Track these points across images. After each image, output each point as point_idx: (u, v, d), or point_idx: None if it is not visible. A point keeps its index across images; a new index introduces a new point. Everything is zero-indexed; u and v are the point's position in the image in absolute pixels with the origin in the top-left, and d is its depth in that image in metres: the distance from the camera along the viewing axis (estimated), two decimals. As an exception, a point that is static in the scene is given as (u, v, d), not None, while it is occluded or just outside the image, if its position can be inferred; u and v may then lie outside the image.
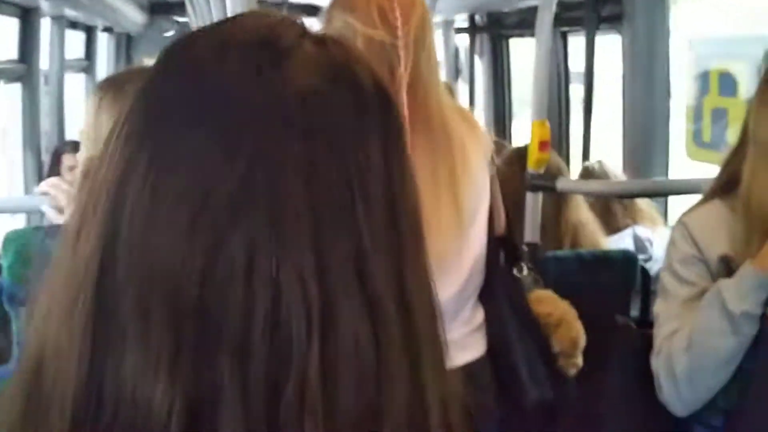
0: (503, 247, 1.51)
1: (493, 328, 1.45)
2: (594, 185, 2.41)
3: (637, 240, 2.25)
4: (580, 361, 1.53)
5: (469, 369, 1.37)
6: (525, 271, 1.51)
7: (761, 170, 1.31)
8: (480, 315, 1.46)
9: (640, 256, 2.20)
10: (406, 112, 1.25)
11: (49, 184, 1.06)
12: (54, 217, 1.09)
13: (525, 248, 2.10)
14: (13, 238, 1.06)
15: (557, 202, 2.19)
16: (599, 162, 2.53)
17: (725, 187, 1.41)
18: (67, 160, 3.17)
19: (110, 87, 1.10)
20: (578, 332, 1.53)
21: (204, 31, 0.48)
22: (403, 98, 1.27)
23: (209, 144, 0.43)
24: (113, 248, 0.43)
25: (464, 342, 1.41)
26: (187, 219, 0.42)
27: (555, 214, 2.20)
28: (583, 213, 2.27)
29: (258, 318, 0.41)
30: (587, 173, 2.48)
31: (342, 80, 0.46)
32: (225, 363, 0.41)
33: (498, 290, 1.46)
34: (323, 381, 0.41)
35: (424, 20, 1.35)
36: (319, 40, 0.47)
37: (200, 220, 0.41)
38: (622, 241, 2.26)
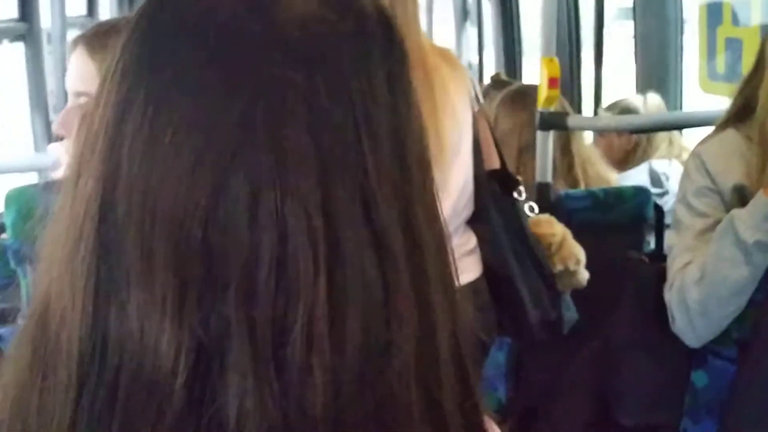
0: (498, 178, 1.54)
1: (489, 251, 1.50)
2: (605, 121, 2.38)
3: (653, 174, 2.24)
4: (585, 274, 1.55)
5: (465, 289, 1.40)
6: (523, 195, 1.54)
7: None
8: (472, 240, 1.51)
9: (656, 190, 2.19)
10: None
11: (58, 123, 1.06)
12: (55, 176, 1.08)
13: (537, 187, 2.12)
14: (14, 195, 1.06)
15: (566, 139, 2.17)
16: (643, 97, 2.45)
17: (740, 114, 1.39)
18: None
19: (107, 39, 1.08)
20: (579, 249, 1.56)
21: None
22: None
23: (208, 79, 0.41)
24: (113, 190, 0.42)
25: (458, 264, 1.44)
26: (187, 158, 0.41)
27: (564, 152, 2.18)
28: (590, 150, 2.26)
29: (264, 256, 0.40)
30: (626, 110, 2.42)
31: (344, 6, 0.44)
32: (231, 303, 0.40)
33: (493, 215, 1.50)
34: (330, 318, 0.40)
35: None
36: None
37: (202, 158, 0.40)
38: (638, 176, 2.24)
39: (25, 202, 1.04)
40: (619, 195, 2.09)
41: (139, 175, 0.41)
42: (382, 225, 0.42)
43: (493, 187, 1.53)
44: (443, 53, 1.50)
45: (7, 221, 1.06)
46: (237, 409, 0.40)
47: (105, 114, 0.43)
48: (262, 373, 0.40)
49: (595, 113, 2.96)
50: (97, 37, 1.05)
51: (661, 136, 2.30)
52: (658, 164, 2.26)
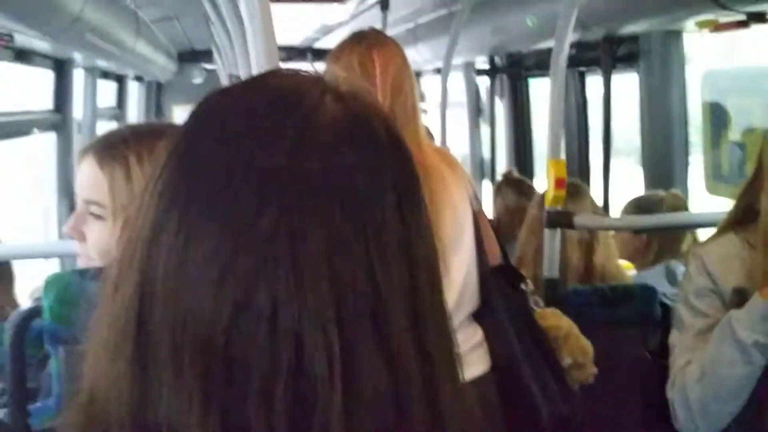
0: (502, 272, 1.58)
1: (497, 346, 1.50)
2: (611, 221, 2.44)
3: (669, 274, 2.23)
4: (593, 369, 1.56)
5: (473, 384, 1.41)
6: (528, 287, 1.56)
7: None
8: (478, 333, 1.51)
9: (673, 290, 2.17)
10: None
11: (69, 226, 1.10)
12: (85, 261, 1.13)
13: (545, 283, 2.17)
14: (53, 280, 1.12)
15: (588, 240, 2.22)
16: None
17: (740, 219, 1.43)
18: None
19: (127, 150, 1.10)
20: (586, 342, 1.58)
21: (231, 93, 0.51)
22: None
23: (236, 205, 0.45)
24: (149, 300, 0.46)
25: (464, 358, 1.45)
26: (215, 275, 0.45)
27: (586, 251, 2.23)
28: (610, 252, 2.28)
29: (282, 367, 0.43)
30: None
31: (360, 138, 0.48)
32: (252, 408, 0.43)
33: (500, 311, 1.51)
34: (346, 425, 0.43)
35: (402, 70, 1.50)
36: (340, 95, 0.50)
37: (227, 276, 0.44)
38: (655, 275, 2.24)
39: (62, 287, 1.11)
40: (625, 292, 2.13)
41: (171, 287, 0.46)
42: (392, 337, 0.45)
43: (499, 282, 1.57)
44: (442, 153, 1.58)
45: (45, 304, 1.12)
46: None
47: (143, 228, 0.48)
48: None
49: (605, 211, 3.02)
50: (106, 149, 1.07)
51: (685, 236, 2.31)
52: (676, 264, 2.26)
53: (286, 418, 0.43)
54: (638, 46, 3.03)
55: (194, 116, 0.50)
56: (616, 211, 3.09)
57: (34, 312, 1.17)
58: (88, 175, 1.08)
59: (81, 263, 1.13)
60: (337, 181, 0.46)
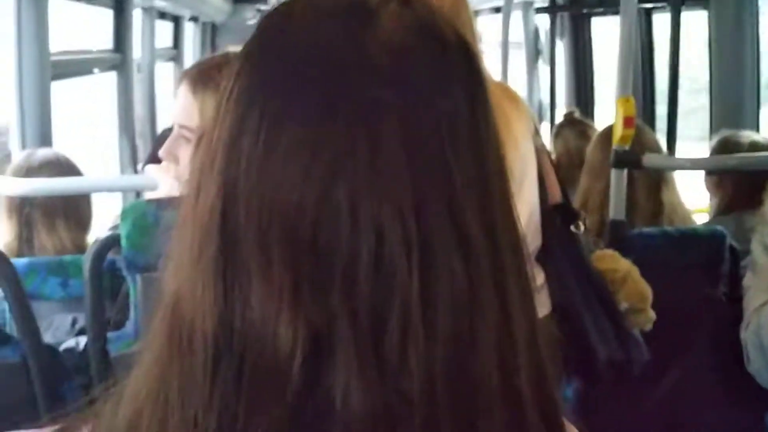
0: (560, 212, 1.55)
1: (555, 289, 1.49)
2: (680, 161, 2.37)
3: (739, 226, 2.12)
4: (652, 314, 1.53)
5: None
6: (581, 229, 1.53)
7: None
8: (540, 276, 1.50)
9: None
10: None
11: (164, 150, 1.14)
12: (150, 197, 1.16)
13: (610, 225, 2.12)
14: (129, 209, 1.15)
15: (656, 181, 2.16)
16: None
17: None
18: None
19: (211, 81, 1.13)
20: (645, 286, 1.54)
21: (297, 2, 0.52)
22: None
23: (312, 102, 0.47)
24: (233, 196, 0.47)
25: None
26: (296, 172, 0.46)
27: (651, 193, 2.17)
28: (677, 194, 2.22)
29: (363, 256, 0.45)
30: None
31: (427, 34, 0.49)
32: (336, 297, 0.45)
33: (557, 252, 1.50)
34: (423, 311, 0.45)
35: (458, 0, 1.44)
36: (404, 0, 0.50)
37: (309, 172, 0.46)
38: (725, 223, 2.11)
39: (139, 216, 1.13)
40: (694, 234, 2.08)
41: (255, 185, 0.47)
42: (465, 226, 0.47)
43: (556, 222, 1.54)
44: (504, 89, 1.54)
45: (123, 232, 1.14)
46: (344, 389, 0.45)
47: (222, 133, 0.49)
48: (363, 360, 0.45)
49: (669, 152, 2.95)
50: (199, 75, 1.12)
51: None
52: (751, 216, 2.14)
53: (367, 306, 0.45)
54: (710, -18, 2.91)
55: (264, 24, 0.52)
56: (681, 154, 3.01)
57: (112, 241, 1.20)
58: (182, 100, 1.12)
59: (149, 197, 1.15)
60: (408, 75, 0.48)
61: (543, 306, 1.48)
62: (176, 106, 1.14)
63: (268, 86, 0.49)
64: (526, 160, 1.47)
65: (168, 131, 3.41)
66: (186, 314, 0.48)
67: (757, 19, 2.91)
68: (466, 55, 0.51)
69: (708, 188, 2.30)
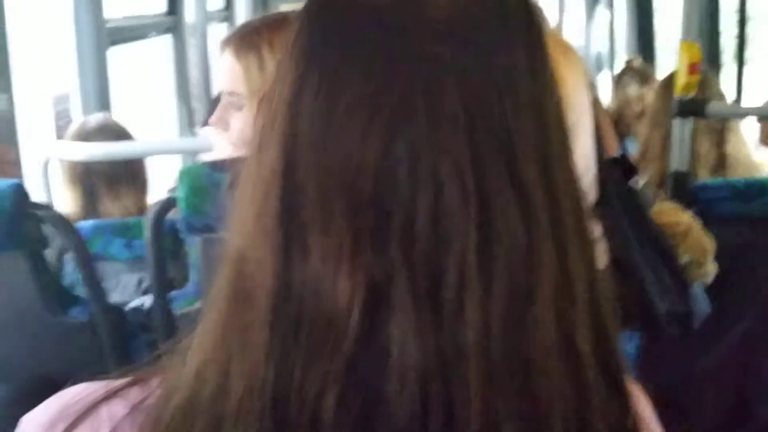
0: (618, 165, 1.51)
1: (612, 241, 1.46)
2: (747, 109, 2.28)
3: None
4: (713, 267, 1.50)
5: None
6: (640, 184, 1.49)
7: None
8: (597, 229, 1.47)
9: None
10: None
11: (214, 117, 1.14)
12: (207, 157, 1.17)
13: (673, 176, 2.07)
14: (186, 172, 1.16)
15: (720, 135, 2.09)
16: None
17: None
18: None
19: (260, 40, 1.12)
20: (707, 239, 1.50)
21: None
22: None
23: (372, 59, 0.47)
24: (294, 154, 0.48)
25: None
26: (358, 126, 0.47)
27: (715, 144, 2.10)
28: (744, 144, 2.15)
29: (421, 209, 0.46)
30: None
31: None
32: (395, 250, 0.46)
33: (615, 205, 1.46)
34: (480, 264, 0.46)
35: None
36: None
37: (369, 127, 0.46)
38: None
39: (195, 178, 1.14)
40: (761, 186, 2.01)
41: (316, 141, 0.48)
42: (524, 181, 0.47)
43: (613, 175, 1.51)
44: (555, 38, 1.48)
45: (181, 194, 1.16)
46: (400, 341, 0.45)
47: (283, 91, 0.50)
48: (421, 310, 0.45)
49: (737, 101, 2.84)
50: (241, 40, 1.12)
51: None
52: None
53: (425, 259, 0.45)
54: None
55: None
56: (750, 101, 2.90)
57: (170, 203, 1.22)
58: (226, 66, 1.13)
59: (207, 158, 1.16)
60: (467, 32, 0.48)
61: (601, 258, 1.47)
62: (222, 72, 1.15)
63: (328, 45, 0.49)
64: (580, 111, 1.44)
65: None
66: (248, 270, 0.49)
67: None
68: (525, 12, 0.50)
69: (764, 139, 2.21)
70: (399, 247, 0.46)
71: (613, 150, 1.57)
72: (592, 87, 1.50)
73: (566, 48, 1.52)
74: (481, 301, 0.45)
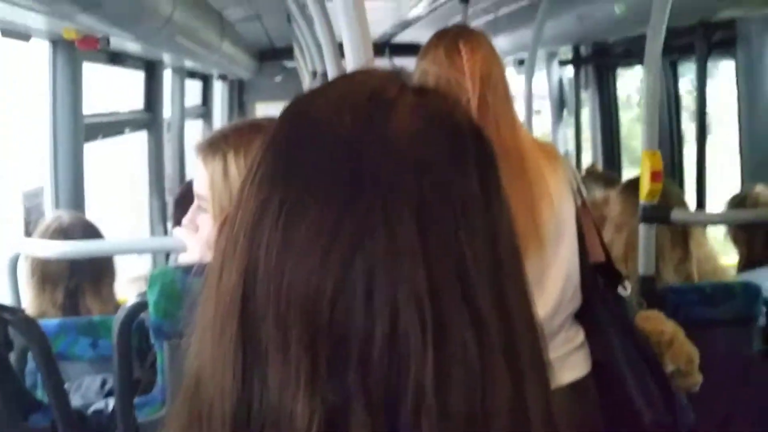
0: (603, 272, 1.52)
1: (597, 348, 1.45)
2: (709, 215, 2.35)
3: None
4: (699, 377, 1.49)
5: (573, 387, 1.38)
6: (628, 290, 1.51)
7: None
8: (580, 335, 1.47)
9: None
10: None
11: (186, 219, 1.15)
12: (183, 259, 1.17)
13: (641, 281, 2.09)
14: (157, 276, 1.16)
15: (683, 234, 2.13)
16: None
17: None
18: None
19: (226, 146, 1.15)
20: (693, 349, 1.51)
21: (321, 91, 0.56)
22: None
23: (332, 189, 0.49)
24: (253, 280, 0.49)
25: (566, 361, 1.42)
26: (316, 254, 0.47)
27: (677, 245, 2.14)
28: (708, 246, 2.19)
29: (378, 334, 0.46)
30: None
31: (442, 123, 0.52)
32: (352, 376, 0.46)
33: (600, 311, 1.47)
34: (437, 388, 0.46)
35: (490, 58, 1.48)
36: (420, 90, 0.53)
37: (328, 255, 0.47)
38: (759, 277, 2.10)
39: (167, 283, 1.14)
40: (727, 290, 2.04)
41: (275, 267, 0.48)
42: (479, 306, 0.48)
43: (598, 281, 1.52)
44: (542, 146, 1.52)
45: (151, 299, 1.15)
46: None
47: (245, 216, 0.51)
48: None
49: (699, 207, 2.91)
50: (210, 146, 1.14)
51: None
52: None
53: (382, 385, 0.46)
54: (735, 32, 2.90)
55: (286, 113, 0.54)
56: (712, 207, 2.97)
57: (140, 307, 1.21)
58: (197, 171, 1.14)
59: (182, 260, 1.16)
60: (424, 161, 0.50)
61: (582, 367, 1.46)
62: (195, 176, 1.17)
63: (290, 172, 0.50)
64: (562, 218, 1.45)
65: (186, 189, 3.45)
66: (206, 394, 0.49)
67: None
68: (478, 140, 0.53)
69: (734, 241, 2.26)
70: (356, 373, 0.46)
71: (599, 256, 1.60)
72: (579, 193, 1.53)
73: (552, 154, 1.56)
74: (438, 426, 0.46)
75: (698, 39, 2.95)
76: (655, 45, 2.12)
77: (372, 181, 0.48)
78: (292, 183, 0.50)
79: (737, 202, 2.31)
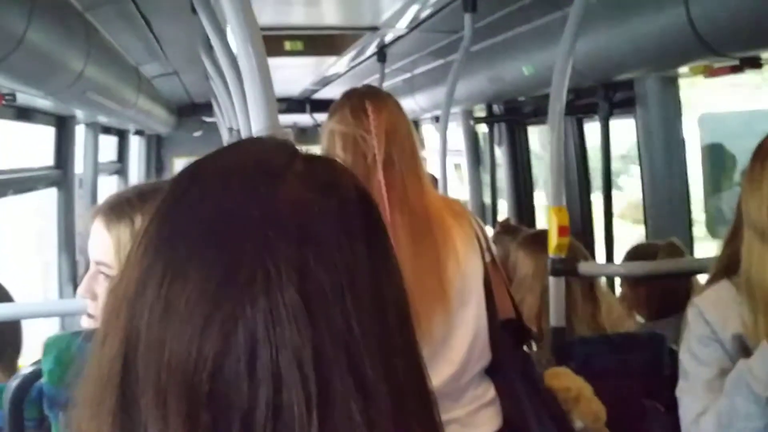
0: (512, 328, 1.54)
1: (507, 405, 1.46)
2: (615, 267, 2.43)
3: (679, 331, 2.15)
4: None
5: None
6: (534, 348, 1.53)
7: (756, 251, 1.31)
8: (490, 391, 1.48)
9: None
10: (383, 190, 1.36)
11: (82, 287, 1.11)
12: (86, 323, 1.12)
13: (552, 332, 2.13)
14: (52, 342, 1.11)
15: (590, 285, 2.19)
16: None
17: (728, 268, 1.41)
18: None
19: (131, 210, 1.13)
20: (599, 406, 1.53)
21: (209, 159, 0.56)
22: (380, 179, 1.38)
23: (216, 257, 0.48)
24: (134, 351, 0.48)
25: (475, 418, 1.43)
26: (199, 322, 0.47)
27: (587, 298, 2.20)
28: (609, 295, 2.26)
29: (261, 404, 0.45)
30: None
31: (328, 191, 0.52)
32: None
33: (509, 368, 1.48)
34: None
35: (394, 115, 1.52)
36: (309, 158, 0.54)
37: (210, 322, 0.47)
38: (666, 327, 2.14)
39: (62, 349, 1.09)
40: (634, 339, 2.10)
41: (156, 336, 0.48)
42: (366, 375, 0.48)
43: (507, 338, 1.53)
44: (448, 203, 1.54)
45: (45, 367, 1.10)
46: None
47: (128, 286, 0.50)
48: None
49: (608, 259, 3.01)
50: (112, 211, 1.11)
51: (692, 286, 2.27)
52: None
53: None
54: (634, 92, 3.06)
55: (173, 183, 0.54)
56: (619, 259, 3.07)
57: (34, 376, 1.16)
58: (96, 237, 1.11)
59: (84, 324, 1.12)
60: (309, 231, 0.50)
61: (493, 423, 1.46)
62: (92, 242, 1.12)
63: (174, 240, 0.50)
64: (469, 277, 1.46)
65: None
66: None
67: (680, 125, 3.05)
68: (365, 208, 0.53)
69: (629, 299, 2.32)
70: None
71: (508, 312, 1.60)
72: (489, 249, 1.55)
73: (459, 212, 1.58)
74: None
75: (600, 98, 3.09)
76: (557, 104, 2.21)
77: (254, 250, 0.48)
78: (176, 250, 0.49)
79: (634, 255, 2.40)
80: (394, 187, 1.41)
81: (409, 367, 0.51)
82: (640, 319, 2.35)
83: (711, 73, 2.48)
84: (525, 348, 1.55)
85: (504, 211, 4.50)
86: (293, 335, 0.46)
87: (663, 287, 2.26)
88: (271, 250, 0.48)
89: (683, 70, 2.80)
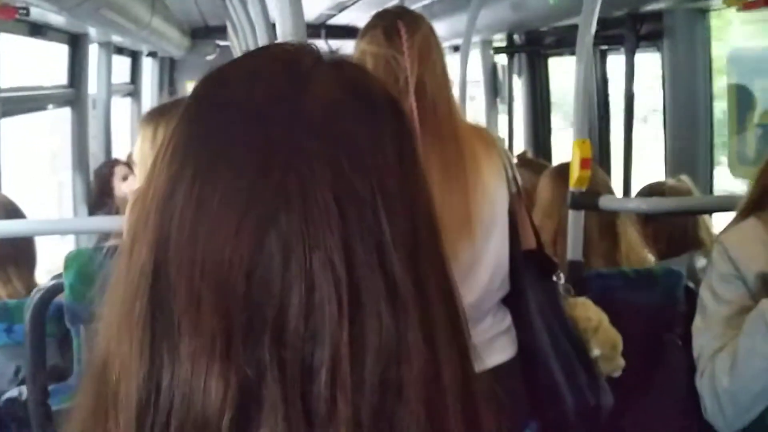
0: (535, 259, 1.53)
1: (524, 334, 1.47)
2: (637, 202, 2.40)
3: (690, 270, 2.17)
4: (621, 361, 1.53)
5: (498, 370, 1.39)
6: (562, 279, 1.53)
7: None
8: (507, 319, 1.48)
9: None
10: (415, 114, 1.34)
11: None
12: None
13: (568, 266, 2.13)
14: (73, 257, 1.11)
15: (611, 221, 2.17)
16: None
17: (759, 202, 1.39)
18: (120, 170, 3.30)
19: (160, 116, 1.15)
20: (616, 334, 1.54)
21: (235, 64, 0.54)
22: (412, 102, 1.37)
23: (247, 154, 0.48)
24: (165, 254, 0.47)
25: (491, 344, 1.44)
26: (231, 222, 0.46)
27: (605, 233, 2.18)
28: (632, 233, 2.24)
29: (294, 305, 0.45)
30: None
31: (357, 93, 0.51)
32: (267, 346, 0.45)
33: (528, 299, 1.48)
34: (352, 358, 0.45)
35: (428, 38, 1.48)
36: (336, 62, 0.53)
37: (243, 222, 0.46)
38: (678, 265, 2.14)
39: (83, 264, 1.09)
40: (650, 275, 2.09)
41: (188, 239, 0.47)
42: (395, 276, 0.48)
43: (530, 268, 1.53)
44: (478, 131, 1.51)
45: (67, 282, 1.10)
46: None
47: (157, 190, 0.49)
48: (291, 411, 0.45)
49: (625, 195, 2.98)
50: (150, 114, 1.16)
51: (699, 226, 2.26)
52: (701, 260, 2.19)
53: (297, 355, 0.45)
54: (662, 24, 2.97)
55: (201, 84, 0.53)
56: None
57: (55, 291, 1.15)
58: (140, 143, 1.11)
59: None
60: (340, 129, 0.49)
61: (508, 350, 1.47)
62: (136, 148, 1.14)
63: (202, 142, 0.49)
64: (496, 205, 1.44)
65: (103, 168, 3.33)
66: (113, 373, 0.47)
67: (709, 61, 2.97)
68: (395, 114, 0.52)
69: (650, 238, 2.32)
70: (271, 343, 0.45)
71: (531, 243, 1.59)
72: (513, 180, 1.52)
73: (488, 140, 1.55)
74: (352, 397, 0.45)
75: (627, 30, 3.00)
76: (586, 35, 2.14)
77: (286, 149, 0.47)
78: (204, 153, 0.48)
79: (645, 194, 2.38)
80: (425, 112, 1.38)
81: (437, 273, 0.51)
82: (650, 257, 2.34)
83: (745, 5, 2.39)
84: (554, 278, 1.54)
85: (521, 143, 4.44)
86: (326, 234, 0.46)
87: (672, 225, 2.24)
88: (302, 150, 0.47)
89: (715, 2, 2.71)
